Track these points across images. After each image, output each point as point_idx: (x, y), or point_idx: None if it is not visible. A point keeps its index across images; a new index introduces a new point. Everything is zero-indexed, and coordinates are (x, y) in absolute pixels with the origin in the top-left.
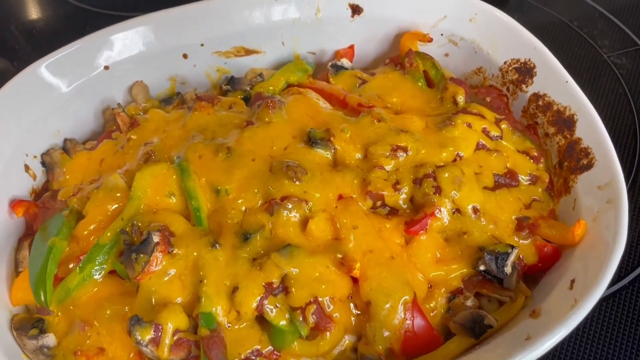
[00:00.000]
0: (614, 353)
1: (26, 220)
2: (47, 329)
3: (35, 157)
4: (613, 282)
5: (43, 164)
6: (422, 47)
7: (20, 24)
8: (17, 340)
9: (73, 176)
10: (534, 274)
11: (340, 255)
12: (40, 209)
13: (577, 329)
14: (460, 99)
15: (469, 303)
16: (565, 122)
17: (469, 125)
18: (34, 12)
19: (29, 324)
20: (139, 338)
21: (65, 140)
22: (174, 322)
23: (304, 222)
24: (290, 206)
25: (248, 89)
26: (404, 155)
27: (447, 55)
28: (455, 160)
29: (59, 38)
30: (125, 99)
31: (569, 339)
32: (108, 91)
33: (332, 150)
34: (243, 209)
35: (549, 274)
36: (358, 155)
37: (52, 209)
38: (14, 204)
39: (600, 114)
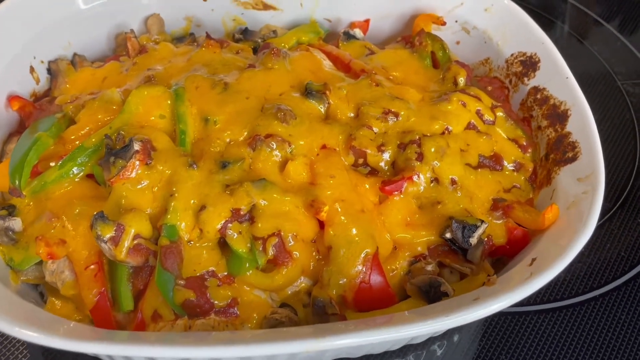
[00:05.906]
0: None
1: (20, 117)
2: (16, 214)
3: (42, 62)
4: (609, 281)
5: (49, 70)
6: (436, 32)
7: None
8: None
9: (74, 87)
10: (502, 258)
11: (311, 199)
12: (36, 109)
13: (575, 329)
14: (461, 80)
15: (429, 268)
16: (559, 116)
17: (464, 104)
18: None
19: None
20: (100, 233)
21: (75, 54)
22: (136, 227)
23: (284, 164)
24: (273, 144)
25: (259, 41)
26: (394, 119)
27: (458, 43)
28: (443, 133)
29: None
30: (139, 29)
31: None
32: (125, 17)
33: (326, 105)
34: (227, 140)
35: (515, 258)
36: (350, 114)
37: (48, 111)
38: (11, 98)
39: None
